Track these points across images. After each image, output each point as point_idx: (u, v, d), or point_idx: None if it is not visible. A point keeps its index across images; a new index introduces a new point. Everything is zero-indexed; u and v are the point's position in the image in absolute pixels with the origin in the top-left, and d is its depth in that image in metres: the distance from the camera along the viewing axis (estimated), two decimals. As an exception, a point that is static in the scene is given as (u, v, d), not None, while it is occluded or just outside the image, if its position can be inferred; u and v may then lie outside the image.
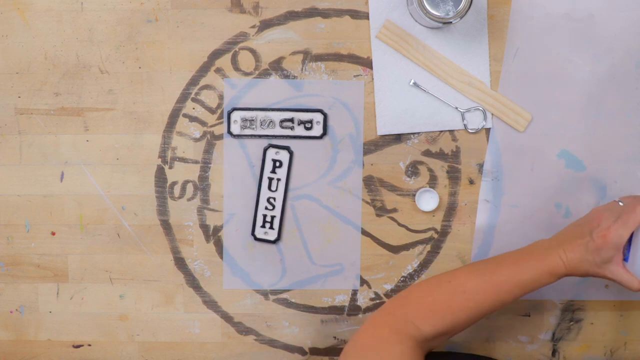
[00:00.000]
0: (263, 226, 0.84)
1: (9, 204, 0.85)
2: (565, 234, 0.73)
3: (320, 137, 0.83)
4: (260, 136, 0.83)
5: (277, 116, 0.82)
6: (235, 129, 0.83)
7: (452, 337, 0.73)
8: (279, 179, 0.83)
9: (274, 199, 0.84)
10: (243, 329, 0.86)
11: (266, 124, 0.82)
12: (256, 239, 0.85)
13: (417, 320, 0.68)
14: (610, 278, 0.70)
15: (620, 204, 0.71)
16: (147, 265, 0.85)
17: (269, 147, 0.83)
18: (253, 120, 0.82)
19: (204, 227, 0.85)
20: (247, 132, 0.83)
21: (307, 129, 0.82)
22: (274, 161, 0.83)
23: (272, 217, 0.84)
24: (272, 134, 0.83)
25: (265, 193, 0.84)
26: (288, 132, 0.83)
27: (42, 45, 0.83)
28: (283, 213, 0.84)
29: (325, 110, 0.83)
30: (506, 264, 0.72)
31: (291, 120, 0.82)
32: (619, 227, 0.68)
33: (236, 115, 0.83)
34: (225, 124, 0.83)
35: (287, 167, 0.83)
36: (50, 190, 0.85)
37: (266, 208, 0.84)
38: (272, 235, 0.84)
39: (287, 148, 0.83)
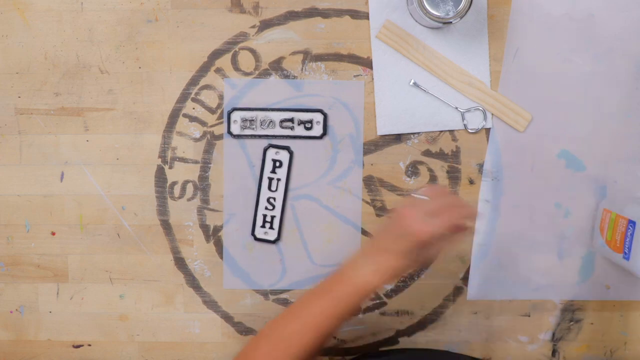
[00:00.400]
0: (263, 226, 0.84)
1: (9, 204, 0.85)
2: (374, 247, 0.69)
3: (320, 137, 0.83)
4: (260, 136, 0.83)
5: (277, 116, 0.82)
6: (235, 129, 0.83)
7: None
8: (279, 179, 0.83)
9: (274, 199, 0.84)
10: (243, 329, 0.86)
11: (266, 124, 0.82)
12: (256, 239, 0.85)
13: None
14: (431, 261, 0.70)
15: (419, 196, 0.69)
16: (147, 265, 0.85)
17: (269, 147, 0.83)
18: (253, 120, 0.82)
19: (204, 227, 0.85)
20: (247, 132, 0.83)
21: (307, 129, 0.82)
22: (274, 161, 0.83)
23: (272, 217, 0.84)
24: (272, 134, 0.83)
25: (265, 193, 0.84)
26: (288, 132, 0.83)
27: (42, 45, 0.83)
28: (283, 213, 0.84)
29: (325, 111, 0.83)
30: (315, 301, 0.69)
31: (291, 120, 0.82)
32: (429, 225, 0.65)
33: (236, 115, 0.83)
34: (225, 124, 0.83)
35: (287, 167, 0.83)
36: (50, 190, 0.85)
37: (266, 208, 0.84)
38: (272, 235, 0.84)
39: (287, 148, 0.83)
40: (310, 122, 0.82)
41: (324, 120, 0.82)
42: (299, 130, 0.82)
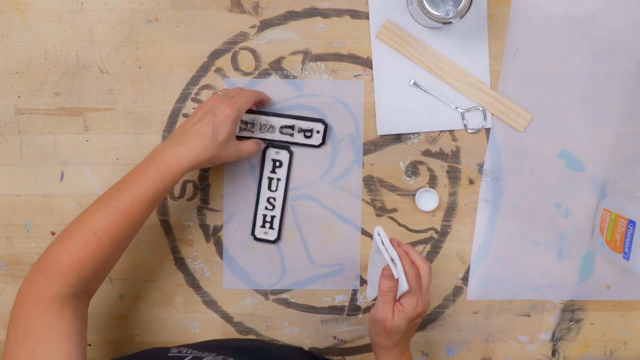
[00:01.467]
0: (263, 226, 0.84)
1: (9, 204, 0.85)
2: (180, 132, 0.73)
3: (318, 146, 0.83)
4: (258, 139, 0.83)
5: (278, 122, 0.82)
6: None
7: (110, 272, 0.72)
8: (278, 179, 0.83)
9: (274, 198, 0.84)
10: (243, 329, 0.86)
11: (266, 128, 0.82)
12: (256, 239, 0.85)
13: (61, 279, 0.66)
14: (232, 157, 0.75)
15: (217, 92, 0.77)
16: (147, 265, 0.85)
17: (268, 147, 0.83)
18: (253, 123, 0.82)
19: (203, 227, 0.85)
20: (246, 134, 0.83)
21: (307, 137, 0.82)
22: (274, 161, 0.83)
23: (272, 217, 0.84)
24: (270, 138, 0.83)
25: (265, 193, 0.84)
26: (287, 137, 0.82)
27: (42, 45, 0.83)
28: (283, 213, 0.84)
29: (325, 111, 0.83)
30: (126, 186, 0.70)
31: (292, 127, 0.82)
32: (233, 101, 0.74)
33: None
34: None
35: (287, 167, 0.83)
36: (50, 190, 0.85)
37: (266, 208, 0.84)
38: (272, 235, 0.84)
39: (287, 148, 0.83)
40: (311, 131, 0.82)
41: (324, 131, 0.82)
42: (298, 137, 0.82)
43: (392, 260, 0.68)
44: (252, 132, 0.82)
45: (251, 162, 0.84)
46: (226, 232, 0.85)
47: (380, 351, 0.72)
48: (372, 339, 0.73)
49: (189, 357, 0.63)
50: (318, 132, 0.82)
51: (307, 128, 0.82)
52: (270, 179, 0.84)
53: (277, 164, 0.83)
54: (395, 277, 0.68)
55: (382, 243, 0.69)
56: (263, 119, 0.82)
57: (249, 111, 0.82)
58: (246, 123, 0.82)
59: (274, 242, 0.85)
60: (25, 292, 0.66)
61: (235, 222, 0.85)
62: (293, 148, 0.83)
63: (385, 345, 0.71)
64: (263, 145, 0.82)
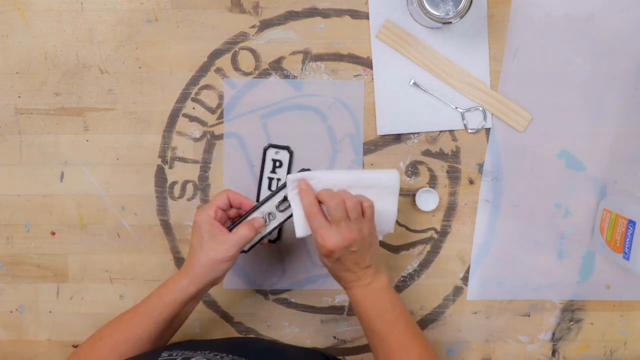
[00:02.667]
0: None
1: (9, 204, 0.85)
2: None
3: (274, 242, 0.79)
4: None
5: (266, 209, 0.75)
6: None
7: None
8: (279, 179, 0.83)
9: None
10: (243, 329, 0.86)
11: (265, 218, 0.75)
12: None
13: None
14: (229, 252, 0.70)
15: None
16: (147, 265, 0.85)
17: (269, 147, 0.83)
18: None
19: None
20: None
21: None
22: (274, 161, 0.83)
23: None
24: (276, 224, 0.76)
25: (265, 193, 0.84)
26: (289, 212, 0.75)
27: (42, 45, 0.83)
28: None
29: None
30: (138, 308, 0.72)
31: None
32: (202, 206, 0.72)
33: None
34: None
35: (287, 167, 0.83)
36: (50, 190, 0.85)
37: None
38: (272, 235, 0.84)
39: (287, 148, 0.83)
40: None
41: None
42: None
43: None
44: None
45: (251, 162, 0.84)
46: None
47: (351, 286, 0.72)
48: (341, 277, 0.72)
49: (179, 359, 0.63)
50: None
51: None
52: (271, 179, 0.83)
53: (277, 164, 0.83)
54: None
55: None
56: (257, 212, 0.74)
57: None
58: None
59: (274, 242, 0.84)
60: None
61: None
62: (294, 147, 0.83)
63: (354, 272, 0.71)
64: (258, 225, 0.73)
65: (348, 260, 0.70)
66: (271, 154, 0.83)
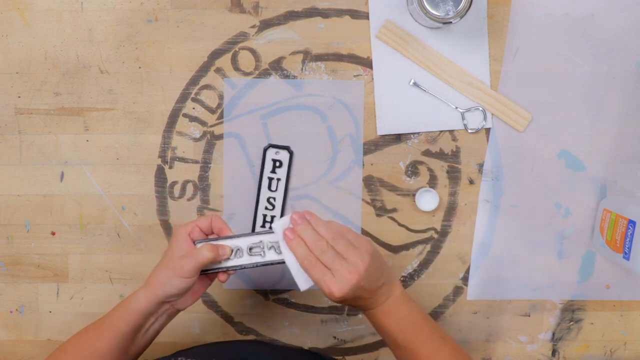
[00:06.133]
0: (263, 226, 0.84)
1: (9, 204, 0.85)
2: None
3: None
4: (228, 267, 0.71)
5: (245, 243, 0.71)
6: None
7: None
8: (279, 179, 0.83)
9: (274, 198, 0.84)
10: (243, 329, 0.86)
11: (234, 254, 0.70)
12: None
13: None
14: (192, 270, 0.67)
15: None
16: (147, 265, 0.85)
17: (269, 147, 0.83)
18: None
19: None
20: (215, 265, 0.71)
21: (278, 253, 0.70)
22: (274, 161, 0.83)
23: (272, 217, 0.84)
24: (240, 263, 0.71)
25: (265, 193, 0.84)
26: (258, 259, 0.71)
27: (42, 45, 0.83)
28: (283, 213, 0.84)
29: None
30: (96, 333, 0.70)
31: (259, 243, 0.71)
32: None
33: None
34: None
35: (287, 167, 0.83)
36: (50, 190, 0.85)
37: (266, 208, 0.84)
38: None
39: (287, 148, 0.83)
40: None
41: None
42: (270, 255, 0.71)
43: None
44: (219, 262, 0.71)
45: (251, 162, 0.84)
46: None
47: (369, 308, 0.68)
48: (359, 306, 0.69)
49: None
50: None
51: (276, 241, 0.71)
52: (271, 179, 0.83)
53: (277, 164, 0.83)
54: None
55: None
56: (230, 242, 0.70)
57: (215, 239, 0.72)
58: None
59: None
60: None
61: (235, 222, 0.85)
62: (294, 147, 0.83)
63: (368, 298, 0.67)
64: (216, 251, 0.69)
65: (363, 292, 0.65)
66: (271, 154, 0.83)
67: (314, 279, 0.66)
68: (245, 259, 0.70)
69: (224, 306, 0.86)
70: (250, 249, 0.70)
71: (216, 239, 0.70)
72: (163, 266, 0.68)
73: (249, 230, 0.84)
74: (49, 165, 0.84)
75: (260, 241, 0.70)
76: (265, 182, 0.84)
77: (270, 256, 0.70)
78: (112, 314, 0.70)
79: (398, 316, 0.68)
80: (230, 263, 0.70)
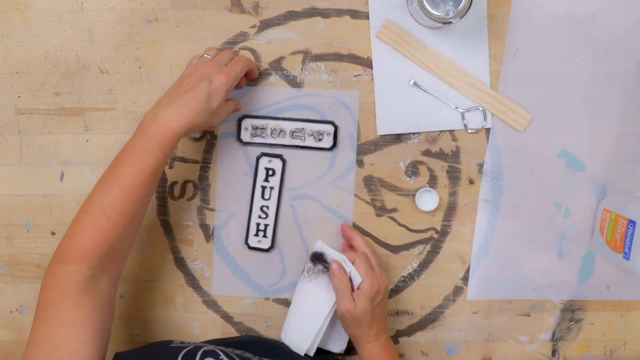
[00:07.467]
0: (257, 235, 0.84)
1: (9, 204, 0.85)
2: (171, 95, 0.72)
3: (330, 149, 0.83)
4: (270, 145, 0.82)
5: (289, 126, 0.82)
6: (246, 136, 0.82)
7: (130, 251, 0.73)
8: (272, 187, 0.83)
9: (267, 207, 0.83)
10: (243, 329, 0.86)
11: (277, 133, 0.81)
12: (250, 247, 0.84)
13: (77, 264, 0.66)
14: (219, 121, 0.76)
15: (207, 56, 0.76)
16: (147, 265, 0.85)
17: (261, 156, 0.83)
18: (264, 128, 0.82)
19: (203, 227, 0.85)
20: (258, 140, 0.82)
21: (318, 140, 0.82)
22: (267, 169, 0.83)
23: (266, 226, 0.84)
24: (282, 143, 0.82)
25: (258, 201, 0.83)
26: (298, 142, 0.82)
27: (42, 45, 0.83)
28: (277, 221, 0.84)
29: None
30: (126, 161, 0.69)
31: (302, 130, 0.82)
32: (229, 69, 0.74)
33: (247, 123, 0.82)
34: (235, 131, 0.83)
35: (280, 175, 0.83)
36: (50, 190, 0.85)
37: (259, 217, 0.84)
38: (265, 243, 0.84)
39: (280, 156, 0.83)
40: (322, 133, 0.82)
41: (334, 132, 0.82)
42: (309, 141, 0.82)
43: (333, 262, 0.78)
44: (264, 137, 0.82)
45: (244, 169, 0.84)
46: (226, 233, 0.85)
47: (360, 341, 0.77)
48: (349, 333, 0.78)
49: (190, 347, 0.64)
50: (329, 134, 0.82)
51: (317, 130, 0.82)
52: (264, 188, 0.83)
53: (270, 172, 0.83)
54: (348, 272, 0.76)
55: (321, 255, 0.79)
56: (273, 123, 0.82)
57: (260, 117, 0.82)
58: (256, 128, 0.82)
59: (267, 250, 0.84)
60: (45, 281, 0.67)
61: (235, 222, 0.84)
62: (289, 153, 0.83)
63: (361, 333, 0.76)
64: (240, 105, 0.81)
65: (380, 308, 0.78)
66: (264, 162, 0.83)
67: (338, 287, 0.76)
68: (286, 140, 0.81)
69: (224, 306, 0.86)
70: (293, 132, 0.80)
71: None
72: (205, 105, 0.71)
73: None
74: (49, 165, 0.84)
75: (303, 128, 0.80)
76: (258, 190, 0.83)
77: (310, 142, 0.81)
78: (142, 152, 0.69)
79: (375, 354, 0.77)
80: (273, 141, 0.81)
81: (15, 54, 0.83)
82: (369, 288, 0.75)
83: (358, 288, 0.76)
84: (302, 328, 0.78)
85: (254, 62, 0.81)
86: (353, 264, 0.77)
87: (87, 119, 0.84)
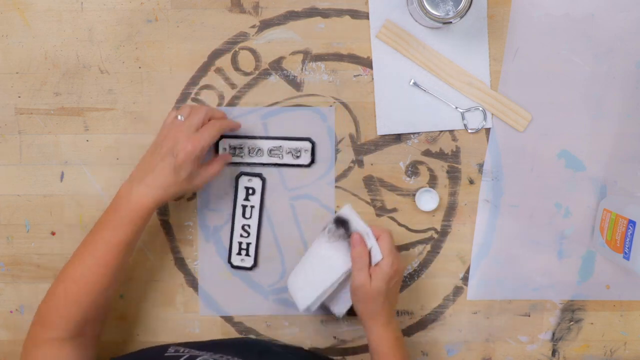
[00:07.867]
0: (239, 253, 0.84)
1: (9, 204, 0.85)
2: (144, 168, 0.74)
3: (308, 166, 0.83)
4: (249, 164, 0.82)
5: (266, 144, 0.82)
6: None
7: (107, 313, 0.77)
8: (252, 206, 0.83)
9: (249, 226, 0.83)
10: (243, 329, 0.86)
11: (254, 152, 0.81)
12: (233, 266, 0.84)
13: (53, 326, 0.71)
14: (199, 186, 0.76)
15: (180, 118, 0.75)
16: (147, 265, 0.85)
17: (240, 175, 0.83)
18: (242, 147, 0.82)
19: (203, 227, 0.85)
20: (236, 159, 0.82)
21: (296, 157, 0.82)
22: (247, 189, 0.83)
23: (248, 244, 0.84)
24: (260, 162, 0.82)
25: (239, 220, 0.83)
26: (277, 160, 0.82)
27: (42, 45, 0.83)
28: (258, 240, 0.84)
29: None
30: (100, 233, 0.73)
31: (279, 148, 0.82)
32: (197, 138, 0.73)
33: (225, 143, 0.82)
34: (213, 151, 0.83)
35: (260, 194, 0.83)
36: (50, 190, 0.85)
37: (241, 235, 0.84)
38: (248, 262, 0.84)
39: (259, 175, 0.83)
40: (299, 150, 0.82)
41: (312, 149, 0.82)
42: (288, 159, 0.82)
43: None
44: (242, 157, 0.82)
45: (224, 189, 0.83)
46: (224, 233, 0.85)
47: (368, 320, 0.75)
48: (357, 309, 0.76)
49: (185, 357, 0.64)
50: (306, 151, 0.82)
51: (294, 147, 0.82)
52: (244, 207, 0.83)
53: (250, 191, 0.83)
54: (369, 247, 0.74)
55: (346, 223, 0.77)
56: (251, 142, 0.82)
57: (237, 136, 0.82)
58: (234, 148, 0.82)
59: (250, 269, 0.84)
60: (27, 341, 0.72)
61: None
62: (268, 171, 0.83)
63: (372, 311, 0.74)
64: (229, 159, 0.81)
65: (394, 291, 0.76)
66: (244, 181, 0.83)
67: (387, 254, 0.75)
68: (264, 159, 0.81)
69: (224, 306, 0.86)
70: (270, 151, 0.78)
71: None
72: (174, 179, 0.73)
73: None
74: (49, 165, 0.84)
75: (281, 146, 0.79)
76: (239, 209, 0.83)
77: (288, 160, 0.81)
78: (115, 226, 0.72)
79: (386, 337, 0.75)
80: (250, 160, 0.80)
81: (15, 54, 0.83)
82: (389, 267, 0.73)
83: (377, 265, 0.74)
84: (310, 284, 0.77)
85: (230, 122, 0.79)
86: (377, 239, 0.75)
87: (87, 119, 0.84)
